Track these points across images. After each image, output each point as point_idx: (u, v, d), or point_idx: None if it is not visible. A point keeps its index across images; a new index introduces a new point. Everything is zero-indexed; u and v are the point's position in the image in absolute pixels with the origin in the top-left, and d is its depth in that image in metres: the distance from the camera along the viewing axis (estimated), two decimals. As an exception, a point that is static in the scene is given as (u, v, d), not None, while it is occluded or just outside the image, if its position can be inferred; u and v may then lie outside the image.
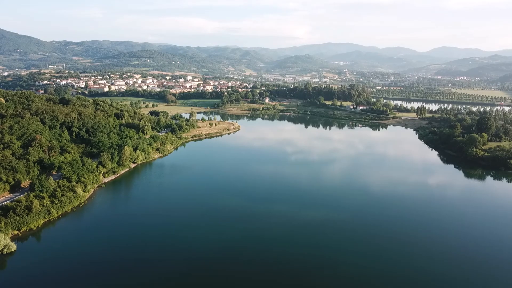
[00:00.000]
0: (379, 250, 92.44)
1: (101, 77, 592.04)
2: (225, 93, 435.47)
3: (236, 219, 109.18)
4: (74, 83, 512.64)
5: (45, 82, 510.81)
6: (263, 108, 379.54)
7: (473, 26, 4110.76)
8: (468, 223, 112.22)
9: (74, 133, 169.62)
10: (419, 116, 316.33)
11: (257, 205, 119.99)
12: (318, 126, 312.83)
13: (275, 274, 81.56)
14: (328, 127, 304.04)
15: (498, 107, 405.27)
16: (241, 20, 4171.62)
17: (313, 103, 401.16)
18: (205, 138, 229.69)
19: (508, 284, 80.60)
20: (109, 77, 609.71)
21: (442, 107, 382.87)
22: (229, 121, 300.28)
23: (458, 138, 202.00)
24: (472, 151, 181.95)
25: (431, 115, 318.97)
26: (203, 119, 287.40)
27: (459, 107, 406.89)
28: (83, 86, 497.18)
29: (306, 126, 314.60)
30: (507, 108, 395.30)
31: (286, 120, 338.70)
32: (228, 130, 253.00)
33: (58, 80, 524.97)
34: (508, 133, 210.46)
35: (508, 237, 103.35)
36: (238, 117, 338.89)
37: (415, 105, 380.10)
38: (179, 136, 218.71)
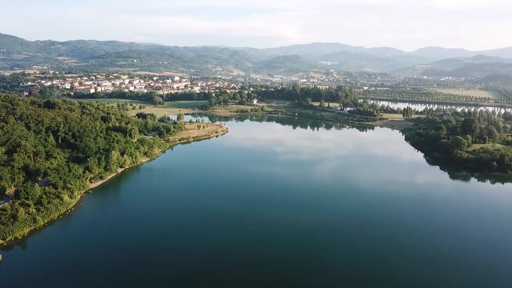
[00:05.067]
0: (371, 251, 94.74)
1: (87, 78, 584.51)
2: (213, 95, 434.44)
3: (226, 224, 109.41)
4: (59, 84, 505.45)
5: (29, 83, 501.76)
6: (251, 110, 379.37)
7: (458, 27, 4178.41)
8: (455, 224, 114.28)
9: (60, 137, 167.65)
10: (405, 117, 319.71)
11: (247, 208, 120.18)
12: (306, 128, 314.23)
13: (267, 277, 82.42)
14: (316, 129, 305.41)
15: (482, 108, 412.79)
16: (230, 20, 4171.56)
17: (301, 105, 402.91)
18: (193, 141, 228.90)
19: (492, 281, 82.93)
20: (95, 78, 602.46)
21: (428, 108, 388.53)
22: (218, 123, 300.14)
23: (443, 140, 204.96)
24: (457, 153, 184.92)
25: (417, 116, 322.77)
26: (191, 121, 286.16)
27: (444, 107, 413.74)
28: (68, 87, 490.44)
29: (294, 128, 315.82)
30: (490, 109, 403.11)
31: (274, 121, 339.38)
32: (216, 132, 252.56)
33: (43, 81, 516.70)
34: (491, 134, 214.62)
35: (493, 236, 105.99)
36: (226, 118, 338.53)
37: (402, 105, 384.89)
38: (166, 139, 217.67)
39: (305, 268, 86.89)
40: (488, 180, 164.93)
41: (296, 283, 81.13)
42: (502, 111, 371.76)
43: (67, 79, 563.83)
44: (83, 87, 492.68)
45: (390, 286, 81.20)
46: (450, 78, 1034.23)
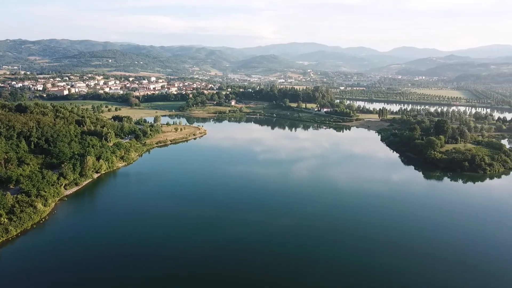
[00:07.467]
0: (351, 249, 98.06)
1: (60, 79, 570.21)
2: (191, 96, 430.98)
3: (207, 227, 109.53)
4: (31, 86, 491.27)
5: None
6: (229, 111, 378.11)
7: (430, 27, 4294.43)
8: (431, 221, 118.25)
9: (32, 143, 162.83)
10: (381, 117, 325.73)
11: (227, 210, 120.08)
12: (284, 129, 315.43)
13: (250, 280, 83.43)
14: (294, 130, 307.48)
15: (454, 108, 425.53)
16: (207, 19, 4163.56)
17: (279, 106, 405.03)
18: (171, 144, 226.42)
19: (466, 272, 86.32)
20: (69, 78, 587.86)
21: (403, 108, 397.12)
22: (195, 124, 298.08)
23: (417, 141, 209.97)
24: (431, 154, 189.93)
25: (392, 116, 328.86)
26: (168, 123, 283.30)
27: (419, 107, 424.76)
28: (41, 88, 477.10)
29: (272, 129, 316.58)
30: (462, 109, 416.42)
31: (252, 123, 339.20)
32: (194, 135, 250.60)
33: (13, 82, 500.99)
34: (463, 135, 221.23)
35: (465, 232, 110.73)
36: (204, 120, 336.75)
37: (377, 106, 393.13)
38: (143, 142, 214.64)
39: (288, 269, 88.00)
40: (460, 179, 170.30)
41: (281, 283, 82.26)
42: (473, 110, 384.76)
43: (39, 80, 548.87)
44: (56, 89, 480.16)
45: (371, 283, 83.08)
46: (423, 77, 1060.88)
